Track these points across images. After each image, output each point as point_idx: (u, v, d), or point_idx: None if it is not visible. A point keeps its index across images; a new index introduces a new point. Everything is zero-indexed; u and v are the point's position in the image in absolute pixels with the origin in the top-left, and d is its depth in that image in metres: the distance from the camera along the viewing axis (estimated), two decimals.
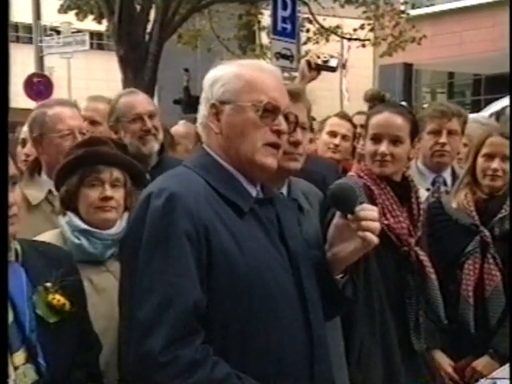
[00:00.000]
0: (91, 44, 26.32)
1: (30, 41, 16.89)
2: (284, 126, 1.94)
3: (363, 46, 15.84)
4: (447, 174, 3.60)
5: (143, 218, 1.78)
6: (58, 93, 20.53)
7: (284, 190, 2.43)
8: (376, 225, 1.95)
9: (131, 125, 3.18)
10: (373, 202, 2.63)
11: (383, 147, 2.68)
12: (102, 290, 2.22)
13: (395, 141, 2.69)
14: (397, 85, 20.25)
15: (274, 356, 1.82)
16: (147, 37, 12.64)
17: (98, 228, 2.34)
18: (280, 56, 7.41)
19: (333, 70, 3.65)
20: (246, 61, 2.05)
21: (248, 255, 1.81)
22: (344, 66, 21.97)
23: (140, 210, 1.81)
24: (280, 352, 1.83)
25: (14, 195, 1.85)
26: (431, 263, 2.69)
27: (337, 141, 4.13)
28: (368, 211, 1.95)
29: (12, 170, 1.86)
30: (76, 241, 2.29)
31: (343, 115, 4.31)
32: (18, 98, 13.37)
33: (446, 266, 2.94)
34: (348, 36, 16.18)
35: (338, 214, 2.00)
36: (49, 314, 1.90)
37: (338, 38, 16.36)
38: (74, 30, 19.27)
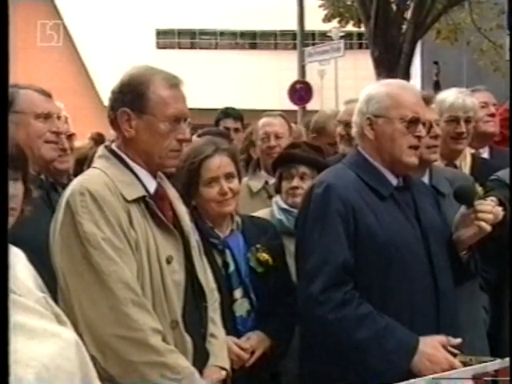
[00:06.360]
0: (360, 44, 27.45)
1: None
2: (423, 132, 2.55)
3: None
4: None
5: (308, 202, 2.53)
6: (326, 94, 21.90)
7: (426, 178, 2.98)
8: (489, 216, 2.44)
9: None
10: None
11: None
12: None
13: None
14: None
15: (406, 305, 2.43)
16: (401, 37, 13.18)
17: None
18: None
19: None
20: (391, 80, 2.72)
21: (386, 228, 2.46)
22: None
23: (307, 197, 2.58)
24: (411, 302, 2.44)
25: (236, 185, 2.73)
26: None
27: None
28: (484, 205, 2.46)
29: (232, 168, 2.74)
30: (278, 217, 3.11)
31: None
32: (284, 102, 14.84)
33: None
34: None
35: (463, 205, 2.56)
36: (257, 266, 2.77)
37: None
38: (343, 34, 20.53)
